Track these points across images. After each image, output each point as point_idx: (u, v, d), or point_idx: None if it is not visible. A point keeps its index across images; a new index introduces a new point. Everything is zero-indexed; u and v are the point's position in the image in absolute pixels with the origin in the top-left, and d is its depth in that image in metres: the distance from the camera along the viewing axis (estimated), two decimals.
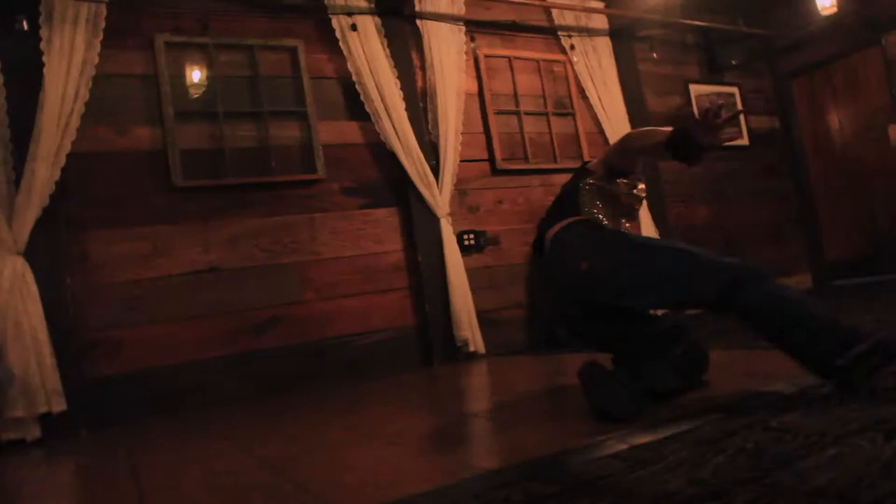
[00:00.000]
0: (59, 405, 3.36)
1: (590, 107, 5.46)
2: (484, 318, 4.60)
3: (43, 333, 3.37)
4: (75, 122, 3.58)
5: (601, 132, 5.48)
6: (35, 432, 3.31)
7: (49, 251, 3.51)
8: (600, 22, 5.53)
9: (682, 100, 6.06)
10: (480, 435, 2.12)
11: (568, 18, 5.36)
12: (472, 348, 4.48)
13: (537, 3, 5.16)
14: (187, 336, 3.77)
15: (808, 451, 1.29)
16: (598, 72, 5.46)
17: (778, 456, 1.28)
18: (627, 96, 5.59)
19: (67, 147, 3.55)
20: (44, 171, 3.46)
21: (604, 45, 5.53)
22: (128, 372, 3.64)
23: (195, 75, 4.06)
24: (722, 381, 2.22)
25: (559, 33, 5.35)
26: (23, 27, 3.52)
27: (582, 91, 5.42)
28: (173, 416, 3.53)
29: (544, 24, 5.33)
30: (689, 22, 5.86)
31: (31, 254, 3.42)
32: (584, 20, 5.43)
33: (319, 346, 4.07)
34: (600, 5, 5.52)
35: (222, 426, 3.04)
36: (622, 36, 5.66)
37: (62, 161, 3.53)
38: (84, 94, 3.62)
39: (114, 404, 3.53)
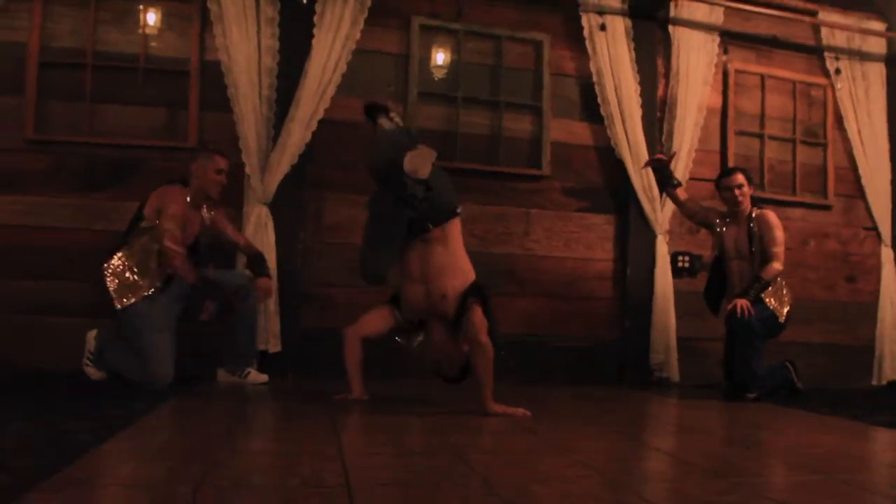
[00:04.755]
0: (275, 346, 3.68)
1: (846, 139, 4.92)
2: (683, 346, 4.36)
3: (273, 279, 3.69)
4: (331, 91, 3.86)
5: (854, 169, 4.93)
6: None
7: (290, 206, 3.83)
8: (877, 46, 4.93)
9: None
10: (670, 479, 1.98)
11: (838, 39, 4.84)
12: (664, 374, 4.28)
13: (807, 19, 4.71)
14: None
15: None
16: (863, 101, 4.89)
17: None
18: (894, 132, 4.97)
19: (320, 114, 3.84)
20: (298, 133, 3.78)
21: (876, 71, 4.94)
22: (335, 328, 3.87)
23: (442, 59, 4.20)
24: None
25: (825, 54, 4.86)
26: (302, 2, 3.82)
27: (839, 120, 4.89)
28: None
29: (809, 42, 4.86)
30: None
31: (275, 206, 3.76)
32: (857, 42, 4.87)
33: (515, 341, 4.06)
34: (881, 27, 4.91)
35: (408, 396, 3.15)
36: None
37: (314, 126, 3.83)
38: (342, 67, 3.88)
39: (319, 357, 3.76)
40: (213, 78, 3.80)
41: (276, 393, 3.32)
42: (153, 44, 3.85)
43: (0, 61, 3.66)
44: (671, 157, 4.02)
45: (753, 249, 3.77)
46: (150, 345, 3.16)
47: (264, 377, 3.48)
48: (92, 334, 3.35)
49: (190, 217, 3.36)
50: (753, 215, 3.79)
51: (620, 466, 2.03)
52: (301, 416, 2.67)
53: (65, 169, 3.71)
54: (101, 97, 3.76)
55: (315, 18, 3.85)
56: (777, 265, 3.69)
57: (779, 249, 3.71)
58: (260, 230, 3.71)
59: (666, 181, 3.96)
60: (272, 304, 3.68)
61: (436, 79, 4.18)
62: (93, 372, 3.34)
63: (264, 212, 3.73)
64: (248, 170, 3.73)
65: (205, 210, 3.47)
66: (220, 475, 1.65)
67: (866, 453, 2.46)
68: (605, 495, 1.63)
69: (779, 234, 3.73)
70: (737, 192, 3.79)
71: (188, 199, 3.32)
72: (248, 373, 3.47)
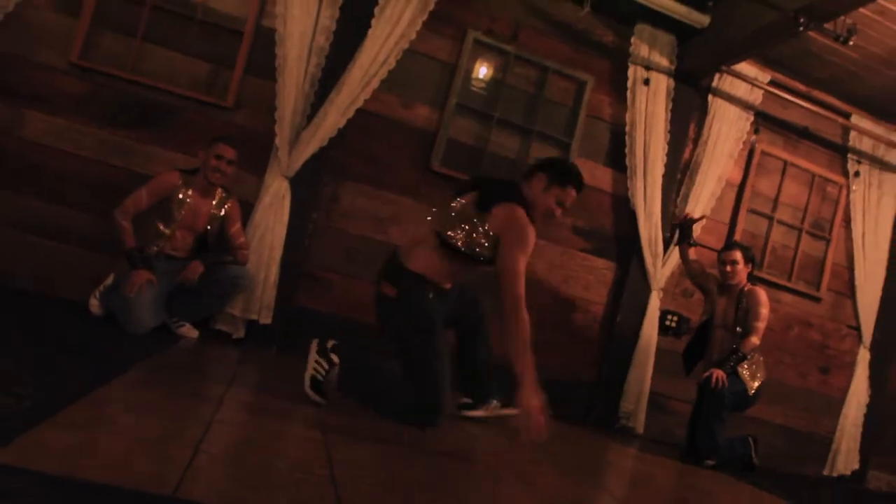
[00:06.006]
0: (266, 318, 3.74)
1: (849, 238, 5.06)
2: (653, 400, 4.47)
3: (278, 252, 3.77)
4: (375, 83, 3.91)
5: (850, 268, 5.07)
6: (240, 332, 3.72)
7: (308, 185, 3.88)
8: None
9: None
10: None
11: (864, 144, 4.98)
12: (630, 423, 4.38)
13: (840, 119, 4.84)
14: None
15: None
16: (873, 208, 5.03)
17: None
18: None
19: (359, 103, 3.89)
20: (334, 116, 3.83)
21: (892, 182, 5.08)
22: (325, 312, 3.96)
23: (486, 76, 4.27)
24: None
25: (849, 156, 5.00)
26: None
27: (847, 220, 5.04)
28: None
29: (836, 140, 5.00)
30: None
31: (295, 182, 3.81)
32: (881, 151, 5.02)
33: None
34: None
35: None
36: None
37: (350, 113, 3.88)
38: (391, 63, 3.93)
39: (306, 337, 3.81)
40: (265, 44, 3.84)
41: (260, 364, 3.38)
42: None
43: None
44: (699, 219, 4.24)
45: (738, 322, 3.89)
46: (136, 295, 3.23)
47: (195, 333, 3.58)
48: (113, 274, 3.45)
49: (197, 205, 3.50)
50: (745, 290, 3.92)
51: None
52: (285, 392, 2.73)
53: (99, 100, 3.73)
54: (151, 37, 3.78)
55: (375, 10, 3.89)
56: (755, 339, 3.81)
57: (759, 325, 3.84)
58: (276, 203, 3.76)
59: (684, 237, 4.13)
60: (272, 275, 3.74)
61: (477, 94, 4.25)
62: (95, 305, 3.41)
63: (284, 185, 3.78)
64: (277, 141, 3.78)
65: (217, 199, 3.57)
66: (213, 443, 1.72)
67: None
68: None
69: (763, 311, 3.86)
70: (730, 267, 3.92)
71: (178, 183, 3.43)
72: (183, 325, 3.55)
